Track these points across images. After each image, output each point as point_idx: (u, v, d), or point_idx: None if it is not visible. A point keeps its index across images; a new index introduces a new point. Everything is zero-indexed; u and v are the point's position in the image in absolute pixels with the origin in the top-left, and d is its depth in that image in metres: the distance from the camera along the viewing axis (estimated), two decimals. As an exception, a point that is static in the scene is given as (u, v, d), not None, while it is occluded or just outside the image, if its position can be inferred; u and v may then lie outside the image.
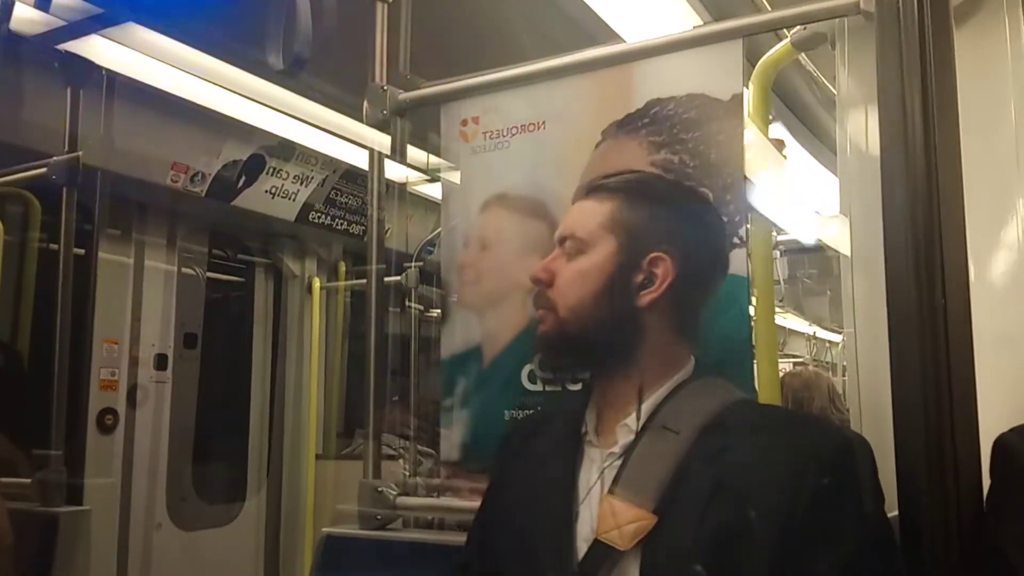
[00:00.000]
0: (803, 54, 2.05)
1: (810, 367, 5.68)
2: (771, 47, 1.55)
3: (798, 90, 2.70)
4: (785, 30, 1.50)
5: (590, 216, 1.09)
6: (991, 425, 0.98)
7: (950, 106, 1.04)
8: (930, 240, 0.99)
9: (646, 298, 1.04)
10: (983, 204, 1.22)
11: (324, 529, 1.65)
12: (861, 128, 1.39)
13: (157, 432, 3.30)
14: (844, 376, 6.27)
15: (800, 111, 2.83)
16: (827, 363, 7.14)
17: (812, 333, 6.70)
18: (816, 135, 2.94)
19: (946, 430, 0.94)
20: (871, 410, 1.30)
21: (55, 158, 2.22)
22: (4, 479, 2.07)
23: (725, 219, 1.28)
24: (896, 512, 0.96)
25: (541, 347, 1.10)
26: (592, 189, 1.13)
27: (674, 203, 1.16)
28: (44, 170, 2.24)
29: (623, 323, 1.03)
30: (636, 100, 1.44)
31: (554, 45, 1.58)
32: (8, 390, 2.60)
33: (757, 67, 1.54)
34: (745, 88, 1.41)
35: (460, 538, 1.34)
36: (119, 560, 3.08)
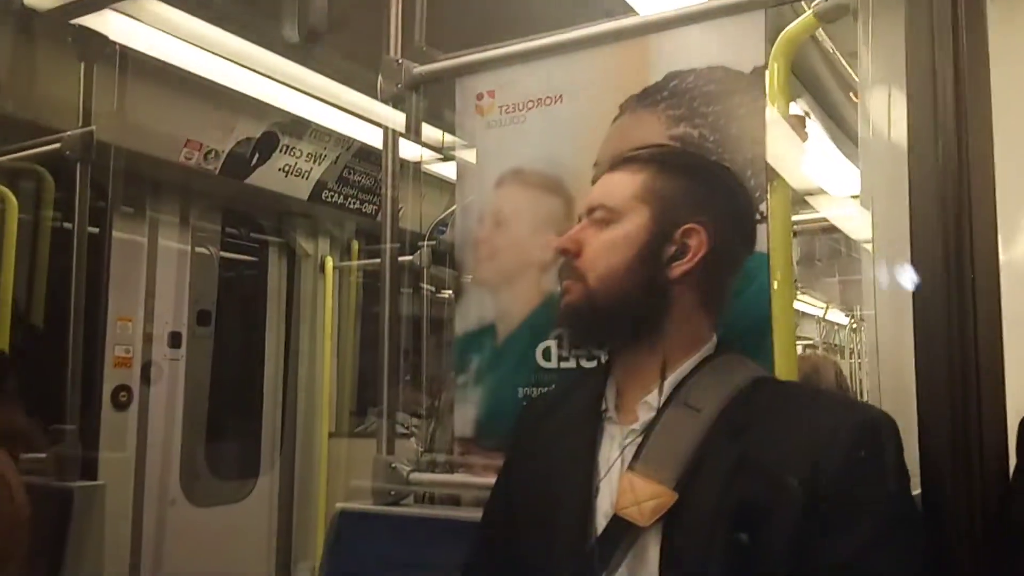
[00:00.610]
0: (821, 31, 2.01)
1: (819, 350, 5.67)
2: (791, 22, 1.52)
3: (815, 69, 2.67)
4: (804, 3, 1.47)
5: (622, 186, 1.06)
6: (1018, 404, 0.96)
7: (983, 82, 1.02)
8: (959, 222, 0.97)
9: (678, 270, 1.02)
10: (1012, 182, 1.19)
11: (338, 504, 1.66)
12: (883, 106, 1.36)
13: (171, 409, 3.32)
14: (851, 359, 6.27)
15: (816, 91, 2.79)
16: (836, 345, 7.12)
17: (822, 315, 6.67)
18: (830, 115, 2.90)
19: (972, 409, 0.92)
20: (891, 390, 1.28)
21: (69, 133, 2.22)
22: (20, 453, 2.08)
23: None
24: (919, 491, 0.95)
25: (567, 318, 1.08)
26: (623, 161, 1.11)
27: (707, 175, 1.13)
28: (58, 146, 2.24)
29: (652, 295, 1.01)
30: (655, 73, 1.42)
31: (572, 17, 1.56)
32: (24, 366, 2.62)
33: (778, 40, 1.51)
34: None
35: (473, 514, 1.34)
36: (133, 535, 3.11)
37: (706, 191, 1.08)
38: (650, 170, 1.06)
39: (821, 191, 3.16)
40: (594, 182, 1.16)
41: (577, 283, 1.05)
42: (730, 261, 1.10)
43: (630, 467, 0.97)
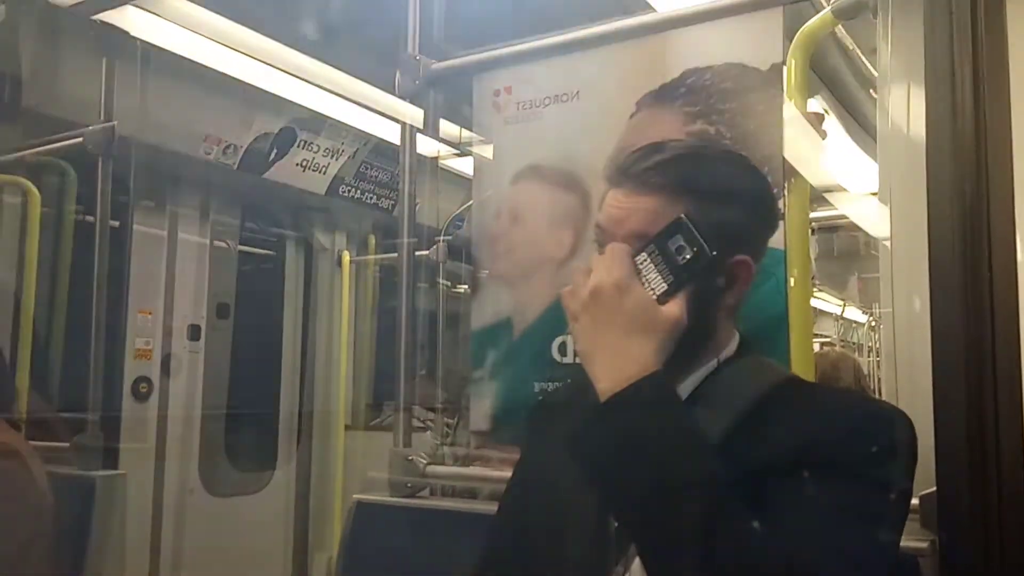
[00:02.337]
0: (840, 28, 2.00)
1: (837, 348, 5.64)
2: (810, 19, 1.52)
3: (834, 66, 2.65)
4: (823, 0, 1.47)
5: (662, 219, 0.96)
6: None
7: (1002, 79, 1.01)
8: (977, 219, 0.96)
9: (727, 300, 1.00)
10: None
11: (355, 496, 1.67)
12: (903, 102, 1.35)
13: (190, 400, 3.36)
14: (870, 357, 6.22)
15: (835, 87, 2.77)
16: (854, 343, 7.07)
17: (840, 312, 6.63)
18: (851, 111, 2.88)
19: (988, 407, 0.92)
20: (907, 387, 1.28)
21: (91, 128, 2.24)
22: (43, 443, 2.11)
23: None
24: (934, 488, 0.95)
25: None
26: (644, 179, 0.98)
27: (745, 191, 1.05)
28: (80, 140, 2.26)
29: (698, 321, 0.96)
30: (672, 70, 1.42)
31: (589, 14, 1.57)
32: (47, 357, 2.66)
33: (796, 38, 1.51)
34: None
35: (488, 507, 1.35)
36: (153, 524, 3.16)
37: (750, 216, 1.03)
38: (692, 198, 0.96)
39: (840, 188, 3.14)
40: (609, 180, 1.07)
41: None
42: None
43: None
